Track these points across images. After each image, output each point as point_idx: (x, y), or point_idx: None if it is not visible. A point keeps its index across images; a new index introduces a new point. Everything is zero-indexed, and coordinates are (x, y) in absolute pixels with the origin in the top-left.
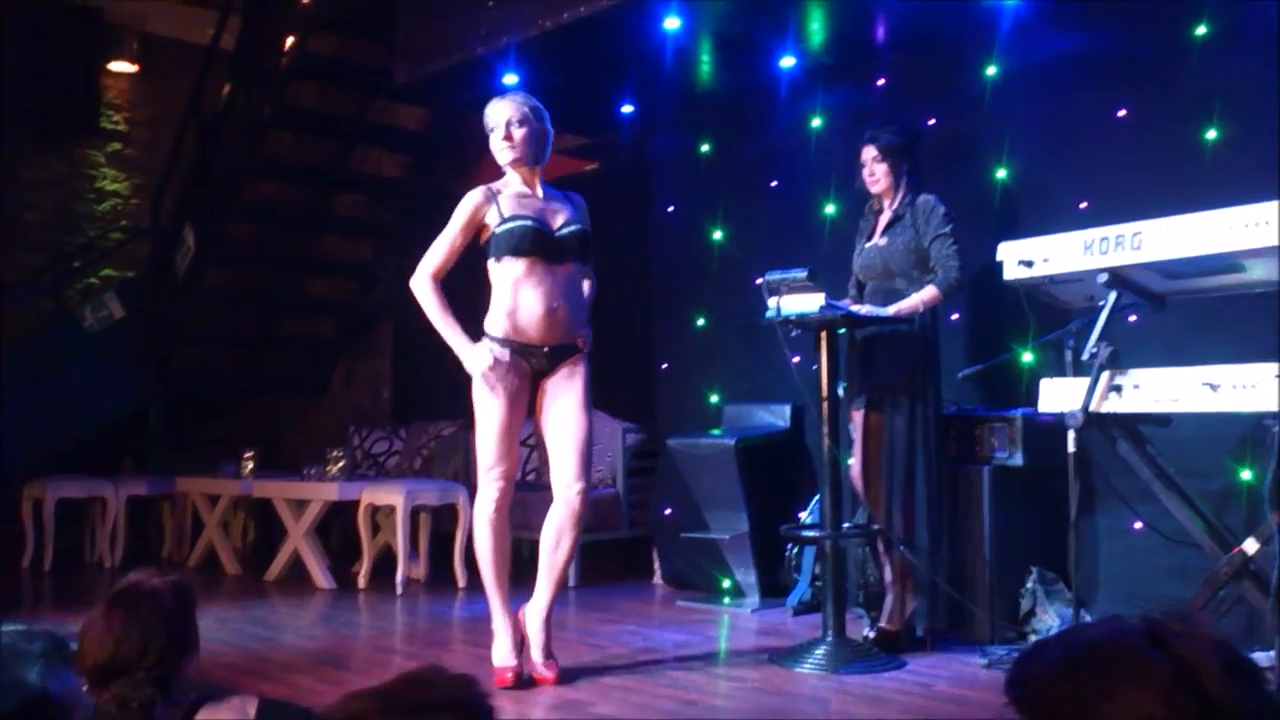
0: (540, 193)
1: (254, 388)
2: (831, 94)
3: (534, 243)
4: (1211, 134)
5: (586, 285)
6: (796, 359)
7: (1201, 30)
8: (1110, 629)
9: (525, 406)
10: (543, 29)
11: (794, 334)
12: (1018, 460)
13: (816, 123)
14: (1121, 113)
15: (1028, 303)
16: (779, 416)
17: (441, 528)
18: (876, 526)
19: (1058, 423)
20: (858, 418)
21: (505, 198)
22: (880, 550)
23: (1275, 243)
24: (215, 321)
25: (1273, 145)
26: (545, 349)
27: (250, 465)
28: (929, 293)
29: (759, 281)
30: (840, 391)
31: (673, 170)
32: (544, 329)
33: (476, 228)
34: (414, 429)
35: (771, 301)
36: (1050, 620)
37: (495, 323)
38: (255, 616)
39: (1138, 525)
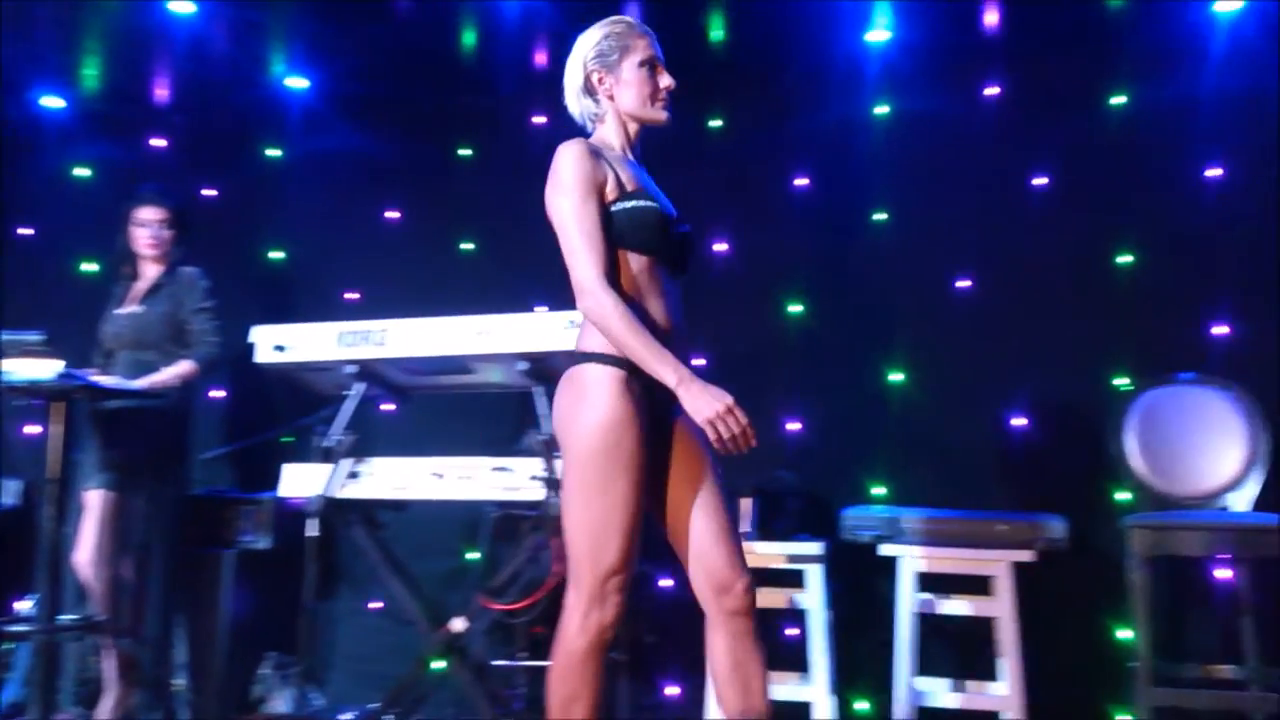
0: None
1: None
2: (103, 144)
3: (663, 236)
4: (469, 245)
5: None
6: (39, 429)
7: (467, 152)
8: None
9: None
10: None
11: (28, 403)
12: (266, 544)
13: (83, 172)
14: (395, 214)
15: (284, 387)
16: (8, 494)
17: None
18: (101, 617)
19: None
20: (93, 498)
21: (617, 163)
22: (107, 642)
23: (496, 350)
24: None
25: (512, 260)
26: None
27: None
28: (184, 367)
29: None
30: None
31: None
32: (673, 349)
33: (600, 192)
34: None
35: None
36: (281, 705)
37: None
38: None
39: (372, 606)
